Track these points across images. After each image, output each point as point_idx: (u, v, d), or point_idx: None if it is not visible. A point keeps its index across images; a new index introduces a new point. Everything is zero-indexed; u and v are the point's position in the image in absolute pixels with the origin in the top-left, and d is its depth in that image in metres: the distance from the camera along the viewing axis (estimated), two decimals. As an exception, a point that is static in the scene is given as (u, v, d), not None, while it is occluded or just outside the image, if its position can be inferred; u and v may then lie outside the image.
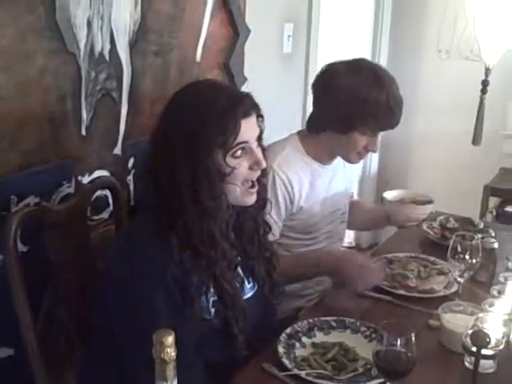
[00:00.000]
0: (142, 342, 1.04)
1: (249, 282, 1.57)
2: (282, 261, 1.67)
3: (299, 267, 1.87)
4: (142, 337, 1.05)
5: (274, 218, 1.88)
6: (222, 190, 1.40)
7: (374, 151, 1.99)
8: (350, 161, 2.06)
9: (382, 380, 1.33)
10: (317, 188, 2.01)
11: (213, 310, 1.43)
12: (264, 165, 1.45)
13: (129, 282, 1.35)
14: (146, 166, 1.45)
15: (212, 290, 1.42)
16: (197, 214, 1.36)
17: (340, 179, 2.14)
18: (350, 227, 2.34)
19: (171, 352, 0.93)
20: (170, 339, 0.93)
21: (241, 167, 1.41)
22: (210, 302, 1.43)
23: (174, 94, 1.47)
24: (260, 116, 1.47)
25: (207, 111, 1.37)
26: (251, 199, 1.48)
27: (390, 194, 2.14)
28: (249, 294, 1.57)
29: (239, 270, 1.54)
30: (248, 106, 1.42)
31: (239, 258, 1.53)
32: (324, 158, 2.03)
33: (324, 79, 1.95)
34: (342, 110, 1.86)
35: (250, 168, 1.43)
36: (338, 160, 2.08)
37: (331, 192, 2.08)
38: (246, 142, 1.41)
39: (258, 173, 1.46)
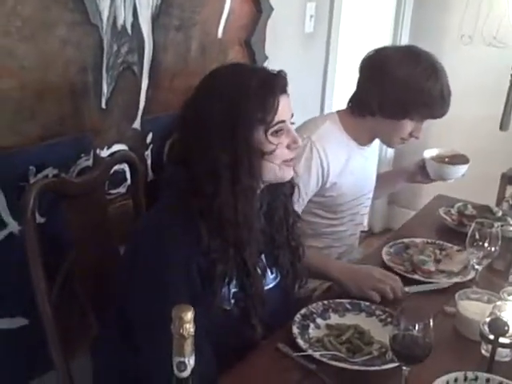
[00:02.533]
0: (155, 319, 1.04)
1: (272, 273, 1.56)
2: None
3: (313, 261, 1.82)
4: (156, 314, 1.05)
5: (301, 189, 1.86)
6: (260, 169, 1.39)
7: (418, 138, 1.99)
8: (391, 145, 2.10)
9: (396, 364, 1.32)
10: (351, 167, 2.01)
11: (233, 301, 1.43)
12: (300, 143, 1.45)
13: (151, 263, 1.34)
14: (176, 151, 1.44)
15: (234, 281, 1.41)
16: (233, 195, 1.35)
17: (373, 164, 2.16)
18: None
19: (190, 328, 0.92)
20: (189, 315, 0.92)
21: (281, 146, 1.40)
22: (231, 292, 1.42)
23: (204, 78, 1.44)
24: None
25: (245, 87, 1.35)
26: (290, 173, 1.47)
27: (429, 152, 2.18)
28: (271, 285, 1.56)
29: (263, 258, 1.53)
30: (283, 82, 1.41)
31: (264, 247, 1.52)
32: (363, 139, 2.03)
33: (378, 65, 1.93)
34: (397, 97, 1.88)
35: (288, 147, 1.43)
36: (374, 145, 2.10)
37: (363, 175, 2.09)
38: (283, 122, 1.40)
39: (295, 152, 1.45)
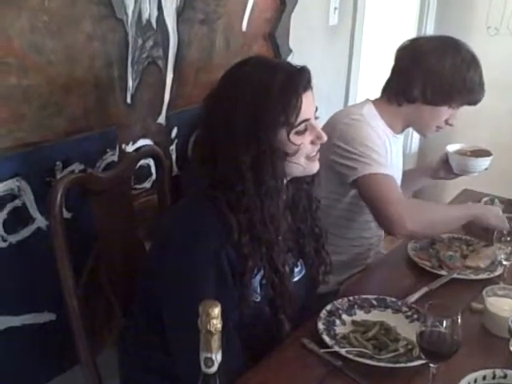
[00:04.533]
0: (185, 310, 1.04)
1: (297, 266, 1.56)
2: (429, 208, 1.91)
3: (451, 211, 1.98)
4: (186, 305, 1.05)
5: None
6: (283, 170, 1.38)
7: (452, 125, 2.03)
8: (425, 133, 2.11)
9: (423, 361, 1.31)
10: (385, 153, 1.98)
11: (260, 293, 1.42)
12: (325, 138, 1.43)
13: (182, 253, 1.34)
14: (200, 149, 1.43)
15: (262, 272, 1.41)
16: (258, 196, 1.35)
17: (400, 154, 2.15)
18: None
19: (217, 323, 0.92)
20: (216, 311, 0.92)
21: (304, 144, 1.39)
22: (258, 283, 1.41)
23: (226, 75, 1.42)
24: None
25: (267, 89, 1.33)
26: (316, 166, 1.46)
27: (452, 147, 2.18)
28: (297, 278, 1.55)
29: (290, 254, 1.52)
30: (306, 79, 1.38)
31: (291, 244, 1.52)
32: (397, 127, 2.04)
33: (416, 55, 1.95)
34: (441, 84, 1.92)
35: (312, 143, 1.42)
36: (400, 137, 2.10)
37: (395, 163, 2.08)
38: (307, 120, 1.38)
39: (319, 147, 1.44)
